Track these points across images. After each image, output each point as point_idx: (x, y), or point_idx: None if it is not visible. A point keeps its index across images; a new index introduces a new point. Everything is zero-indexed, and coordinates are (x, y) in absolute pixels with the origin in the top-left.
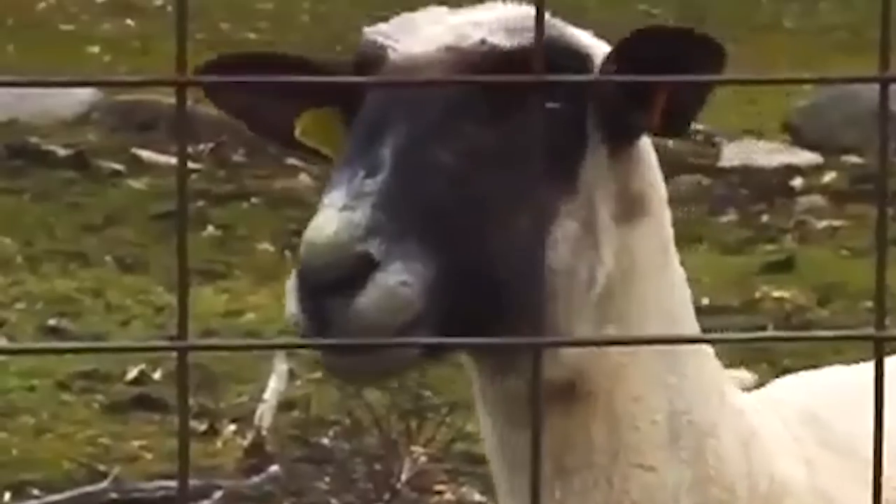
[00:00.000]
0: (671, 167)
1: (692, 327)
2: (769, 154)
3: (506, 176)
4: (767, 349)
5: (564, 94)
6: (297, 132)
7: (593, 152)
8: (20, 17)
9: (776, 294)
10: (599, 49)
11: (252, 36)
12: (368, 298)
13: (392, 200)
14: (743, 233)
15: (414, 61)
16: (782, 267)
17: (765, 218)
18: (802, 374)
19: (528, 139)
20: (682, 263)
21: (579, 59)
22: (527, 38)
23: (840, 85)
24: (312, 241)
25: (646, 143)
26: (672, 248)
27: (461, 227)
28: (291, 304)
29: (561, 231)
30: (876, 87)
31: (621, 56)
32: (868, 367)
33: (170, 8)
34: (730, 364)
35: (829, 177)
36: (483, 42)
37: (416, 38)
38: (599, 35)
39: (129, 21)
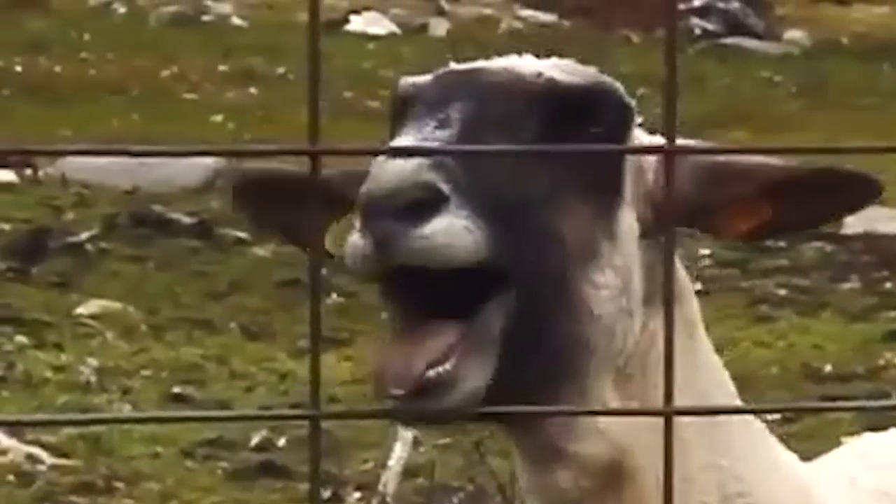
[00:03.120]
0: (794, 235)
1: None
2: (892, 221)
3: (553, 189)
4: (894, 417)
5: (606, 139)
6: (328, 242)
7: (627, 214)
8: (144, 87)
9: None
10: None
11: (375, 104)
12: (435, 228)
13: (461, 155)
14: (866, 300)
15: (473, 66)
16: None
17: (888, 285)
18: (872, 436)
19: (571, 165)
20: (806, 330)
21: (626, 110)
22: (582, 78)
23: None
24: (378, 173)
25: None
26: (698, 335)
27: (516, 210)
28: (351, 240)
29: (603, 277)
30: None
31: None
32: None
33: (291, 76)
34: (854, 432)
35: None
36: (540, 74)
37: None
38: (721, 102)
39: (251, 89)
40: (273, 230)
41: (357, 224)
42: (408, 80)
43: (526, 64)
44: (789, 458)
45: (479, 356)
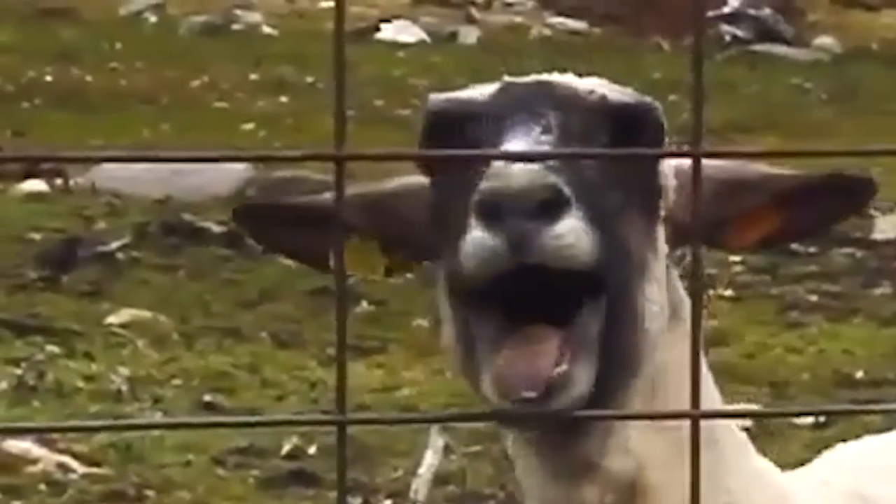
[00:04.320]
0: (825, 241)
1: (724, 424)
2: None
3: (623, 202)
4: None
5: (647, 162)
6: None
7: (662, 232)
8: (174, 96)
9: None
10: None
11: (405, 112)
12: (564, 228)
13: (566, 161)
14: None
15: (536, 79)
16: None
17: None
18: (845, 445)
19: (629, 181)
20: (837, 336)
21: (662, 130)
22: (628, 96)
23: None
24: (503, 173)
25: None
26: None
27: (605, 218)
28: (475, 239)
29: (652, 290)
30: None
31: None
32: None
33: (321, 85)
34: None
35: None
36: (592, 91)
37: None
38: (751, 109)
39: (282, 98)
40: (278, 252)
41: (477, 223)
42: (445, 97)
43: (575, 80)
44: (767, 465)
45: (585, 359)
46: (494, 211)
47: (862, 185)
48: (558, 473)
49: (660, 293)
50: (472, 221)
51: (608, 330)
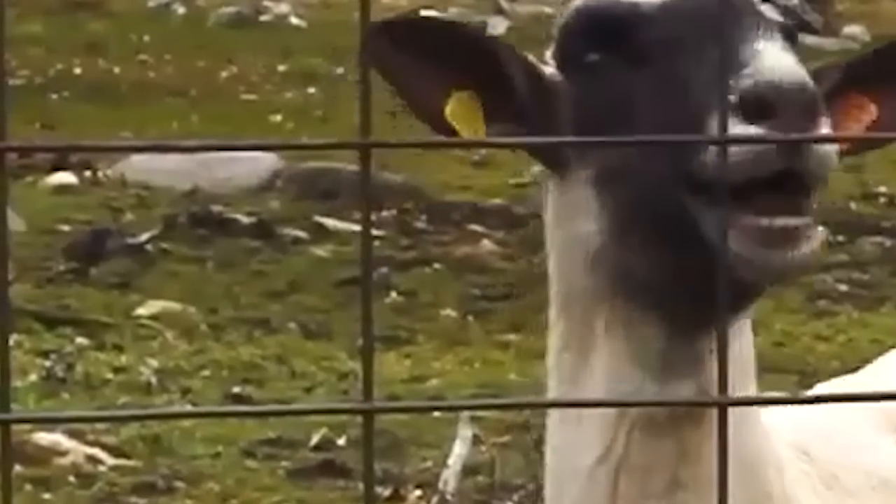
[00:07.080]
0: (854, 229)
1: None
2: None
3: None
4: None
5: None
6: (447, 112)
7: None
8: (203, 88)
9: None
10: None
11: None
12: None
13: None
14: None
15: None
16: None
17: None
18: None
19: None
20: (866, 325)
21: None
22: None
23: None
24: (778, 68)
25: None
26: None
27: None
28: (748, 133)
29: None
30: None
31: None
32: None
33: (350, 76)
34: None
35: None
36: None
37: None
38: None
39: (311, 89)
40: (396, 85)
41: (747, 121)
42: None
43: None
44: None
45: (814, 231)
46: (769, 110)
47: None
48: (669, 367)
49: None
50: (736, 118)
51: None
